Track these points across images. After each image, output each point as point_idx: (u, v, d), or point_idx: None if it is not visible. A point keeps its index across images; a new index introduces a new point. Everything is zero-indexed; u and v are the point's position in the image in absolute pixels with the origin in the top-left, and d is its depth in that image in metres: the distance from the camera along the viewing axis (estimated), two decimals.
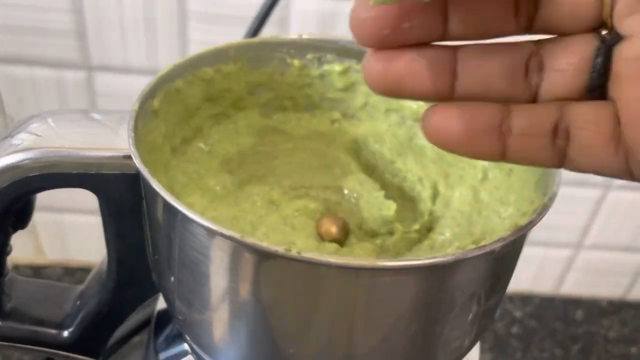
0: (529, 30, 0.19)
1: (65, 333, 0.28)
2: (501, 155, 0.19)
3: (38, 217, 0.62)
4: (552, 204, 0.21)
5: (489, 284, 0.21)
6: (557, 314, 0.65)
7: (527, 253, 0.64)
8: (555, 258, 0.64)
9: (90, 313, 0.28)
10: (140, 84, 0.53)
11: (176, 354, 0.29)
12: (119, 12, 0.47)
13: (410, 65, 0.19)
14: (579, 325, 0.65)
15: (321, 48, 0.30)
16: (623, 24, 0.17)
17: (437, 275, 0.19)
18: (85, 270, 0.61)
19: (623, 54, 0.17)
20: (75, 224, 0.61)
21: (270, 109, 0.31)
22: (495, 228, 0.25)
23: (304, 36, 0.30)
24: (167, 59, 0.49)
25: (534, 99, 0.19)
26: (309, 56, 0.30)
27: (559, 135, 0.18)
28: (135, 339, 0.33)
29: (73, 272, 0.63)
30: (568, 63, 0.18)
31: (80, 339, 0.28)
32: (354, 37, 0.19)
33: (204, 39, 0.48)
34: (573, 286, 0.66)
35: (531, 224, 0.20)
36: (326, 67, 0.31)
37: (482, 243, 0.19)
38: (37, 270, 0.62)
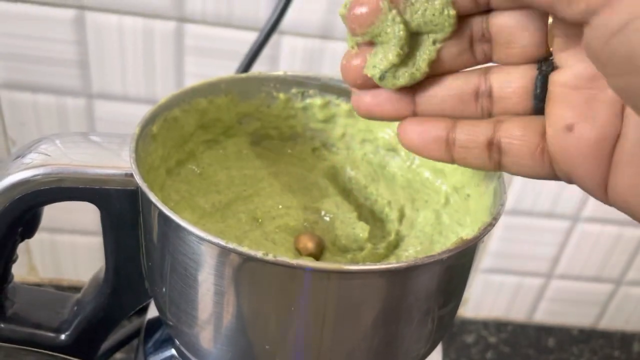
0: (483, 63, 0.23)
1: (62, 336, 0.31)
2: (451, 160, 0.23)
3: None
4: (496, 224, 0.24)
5: (442, 290, 0.24)
6: (530, 341, 0.68)
7: (502, 281, 0.67)
8: (528, 287, 0.67)
9: (87, 317, 0.30)
10: (138, 112, 0.57)
11: (164, 358, 0.31)
12: (121, 45, 0.51)
13: (378, 100, 0.24)
14: (551, 352, 0.67)
15: (304, 84, 0.34)
16: (558, 57, 0.21)
17: (395, 280, 0.22)
18: (77, 289, 0.63)
19: (555, 80, 0.21)
20: (69, 244, 0.63)
21: (257, 137, 0.35)
22: None
23: (289, 73, 0.33)
24: (163, 90, 0.53)
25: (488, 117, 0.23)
26: (293, 90, 0.34)
27: (493, 149, 0.22)
28: (127, 347, 0.36)
29: (65, 291, 0.65)
30: (513, 92, 0.22)
31: (76, 342, 0.31)
32: (343, 78, 0.25)
33: (199, 72, 0.52)
34: (545, 314, 0.69)
35: (475, 239, 0.23)
36: (309, 100, 0.34)
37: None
38: None
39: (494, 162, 0.23)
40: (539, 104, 0.22)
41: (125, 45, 0.51)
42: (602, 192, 0.20)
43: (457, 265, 0.24)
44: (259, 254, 0.21)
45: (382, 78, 0.23)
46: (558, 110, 0.21)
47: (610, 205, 0.21)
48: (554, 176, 0.22)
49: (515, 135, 0.22)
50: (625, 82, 0.17)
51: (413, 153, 0.25)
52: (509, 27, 0.22)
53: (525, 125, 0.22)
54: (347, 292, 0.22)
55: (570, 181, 0.22)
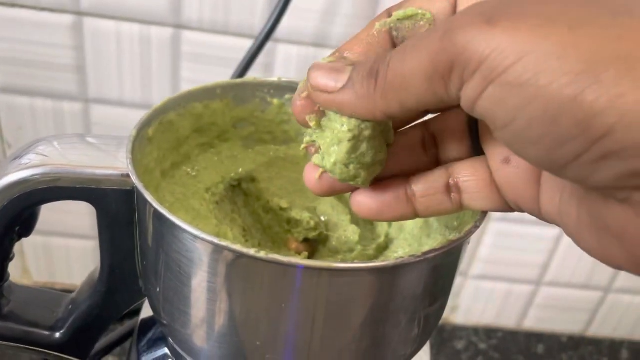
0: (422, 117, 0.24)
1: (57, 334, 0.31)
2: (414, 214, 0.24)
3: (26, 239, 0.64)
4: (480, 225, 0.25)
5: (429, 289, 0.25)
6: (520, 347, 0.68)
7: (492, 287, 0.68)
8: (518, 293, 0.67)
9: (81, 316, 0.31)
10: (134, 116, 0.57)
11: (157, 357, 0.32)
12: (118, 50, 0.51)
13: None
14: (540, 358, 0.68)
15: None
16: None
17: (383, 278, 0.23)
18: (70, 292, 0.63)
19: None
20: (62, 247, 0.64)
21: (251, 141, 0.35)
22: None
23: (283, 79, 0.34)
24: (159, 95, 0.54)
25: (436, 166, 0.24)
26: (287, 96, 0.34)
27: (453, 190, 0.23)
28: (120, 348, 0.36)
29: None
30: (452, 134, 0.24)
31: (71, 340, 0.31)
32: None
33: (195, 78, 0.53)
34: (535, 321, 0.70)
35: (458, 240, 0.24)
36: None
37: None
38: None
39: (455, 203, 0.24)
40: (476, 143, 0.24)
41: (122, 51, 0.51)
42: (539, 212, 0.22)
43: (444, 265, 0.25)
44: (252, 251, 0.21)
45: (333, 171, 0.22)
46: (493, 147, 0.22)
47: (547, 221, 0.22)
48: (506, 207, 0.23)
49: (469, 172, 0.23)
50: (498, 136, 0.18)
51: (372, 219, 0.25)
52: None
53: (474, 164, 0.23)
54: (337, 290, 0.23)
55: (519, 209, 0.23)
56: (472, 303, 0.68)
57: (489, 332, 0.69)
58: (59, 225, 0.62)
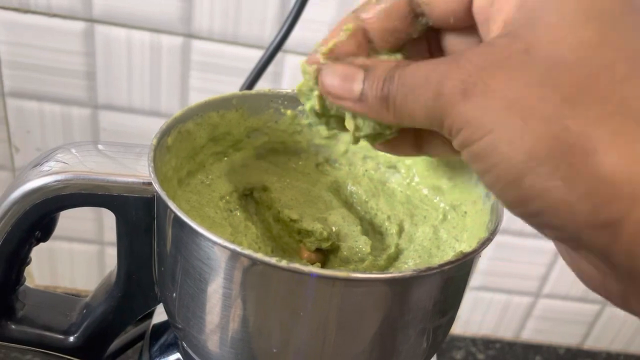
0: None
1: (71, 338, 0.32)
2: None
3: None
4: (493, 238, 0.26)
5: (440, 301, 0.26)
6: (517, 358, 0.69)
7: (491, 299, 0.68)
8: (516, 305, 0.68)
9: (96, 320, 0.31)
10: (142, 123, 0.58)
11: None
12: (128, 57, 0.52)
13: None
14: None
15: None
16: None
17: (397, 288, 0.24)
18: (72, 296, 0.64)
19: None
20: (66, 251, 0.64)
21: (264, 151, 0.36)
22: None
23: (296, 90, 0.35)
24: (168, 103, 0.54)
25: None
26: (300, 107, 0.35)
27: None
28: (131, 351, 0.37)
29: None
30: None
31: (84, 344, 0.32)
32: None
33: (204, 86, 0.54)
34: (533, 333, 0.71)
35: (473, 252, 0.24)
36: None
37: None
38: None
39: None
40: None
41: (132, 58, 0.52)
42: None
43: (456, 277, 0.26)
44: (272, 259, 0.22)
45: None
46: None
47: None
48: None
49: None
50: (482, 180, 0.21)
51: (383, 151, 0.28)
52: None
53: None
54: (353, 299, 0.24)
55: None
56: (470, 313, 0.69)
57: (487, 343, 0.69)
58: (63, 229, 0.62)
